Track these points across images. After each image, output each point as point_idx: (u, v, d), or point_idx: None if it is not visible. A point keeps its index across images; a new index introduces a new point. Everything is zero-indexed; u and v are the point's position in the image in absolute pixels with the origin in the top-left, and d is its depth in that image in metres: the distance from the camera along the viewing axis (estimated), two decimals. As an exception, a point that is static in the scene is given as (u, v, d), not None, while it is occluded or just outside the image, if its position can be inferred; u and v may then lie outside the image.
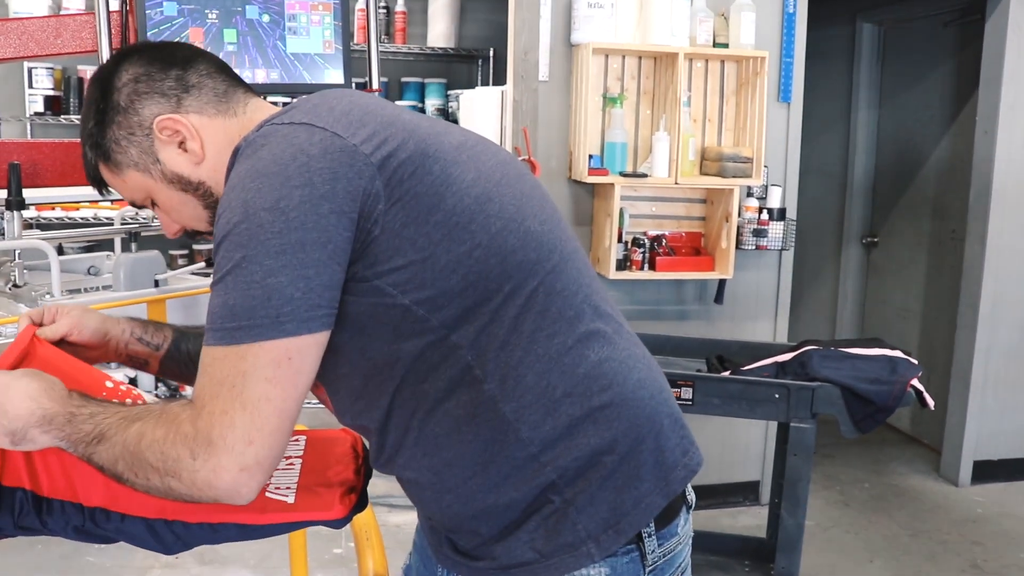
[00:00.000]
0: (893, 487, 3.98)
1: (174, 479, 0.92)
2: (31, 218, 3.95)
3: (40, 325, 1.20)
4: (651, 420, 1.06)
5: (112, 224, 2.92)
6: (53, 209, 4.08)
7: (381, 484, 3.36)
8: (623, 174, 3.21)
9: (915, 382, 2.47)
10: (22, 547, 3.06)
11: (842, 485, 4.00)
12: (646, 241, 3.29)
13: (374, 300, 0.97)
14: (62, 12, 4.27)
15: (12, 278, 2.35)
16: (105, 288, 2.45)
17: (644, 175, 3.21)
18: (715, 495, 3.60)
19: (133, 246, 2.78)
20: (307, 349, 0.93)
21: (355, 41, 4.44)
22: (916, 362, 2.53)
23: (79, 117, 4.43)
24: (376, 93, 2.48)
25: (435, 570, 1.11)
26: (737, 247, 3.34)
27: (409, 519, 3.37)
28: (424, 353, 0.98)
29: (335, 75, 2.45)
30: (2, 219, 2.37)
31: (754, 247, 3.41)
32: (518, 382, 0.99)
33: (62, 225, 4.04)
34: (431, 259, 0.96)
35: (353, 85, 2.52)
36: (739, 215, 3.36)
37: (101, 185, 1.16)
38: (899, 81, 4.68)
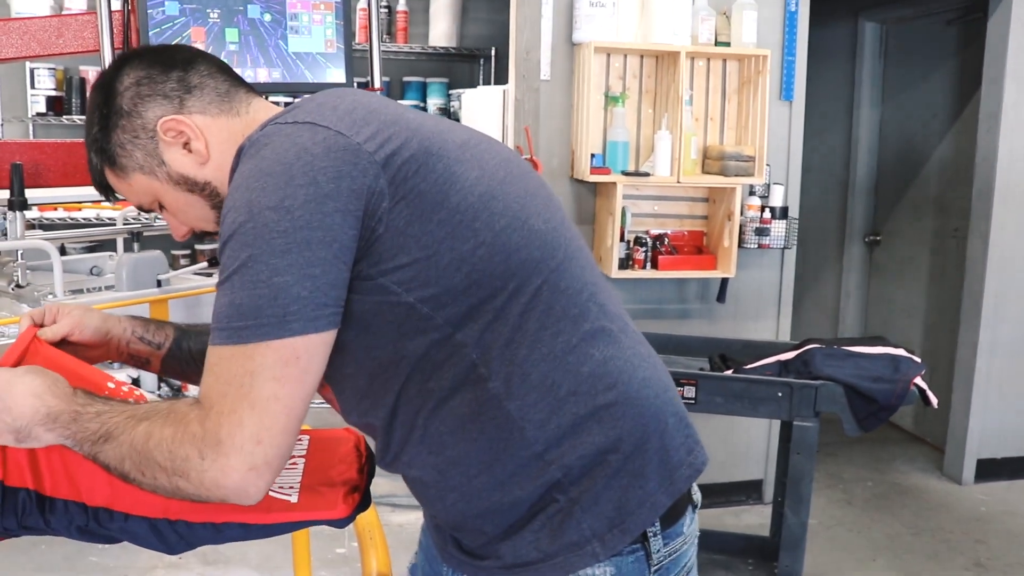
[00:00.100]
0: (896, 485, 3.98)
1: (182, 479, 0.92)
2: (34, 219, 3.95)
3: (41, 325, 1.20)
4: (656, 419, 1.06)
5: (114, 224, 2.92)
6: (55, 209, 4.08)
7: (384, 484, 3.36)
8: (625, 173, 3.21)
9: (918, 380, 2.47)
10: (26, 547, 3.06)
11: (845, 484, 3.99)
12: (648, 240, 3.28)
13: (379, 298, 0.97)
14: (64, 12, 4.27)
15: (15, 278, 2.35)
16: (108, 288, 2.45)
17: (646, 174, 3.21)
18: (718, 494, 3.59)
19: (135, 246, 2.78)
20: (314, 348, 0.93)
21: (357, 41, 4.44)
22: (919, 360, 2.53)
23: (81, 117, 4.42)
24: (378, 92, 2.47)
25: (440, 569, 1.11)
26: (739, 246, 3.34)
27: (412, 518, 3.37)
28: (429, 351, 0.98)
29: (337, 74, 2.46)
30: (4, 219, 2.37)
31: (756, 246, 3.41)
32: (523, 380, 0.99)
33: (64, 225, 4.04)
34: (435, 257, 0.96)
35: (355, 84, 2.52)
36: (741, 214, 3.36)
37: (108, 191, 1.16)
38: (901, 79, 4.68)
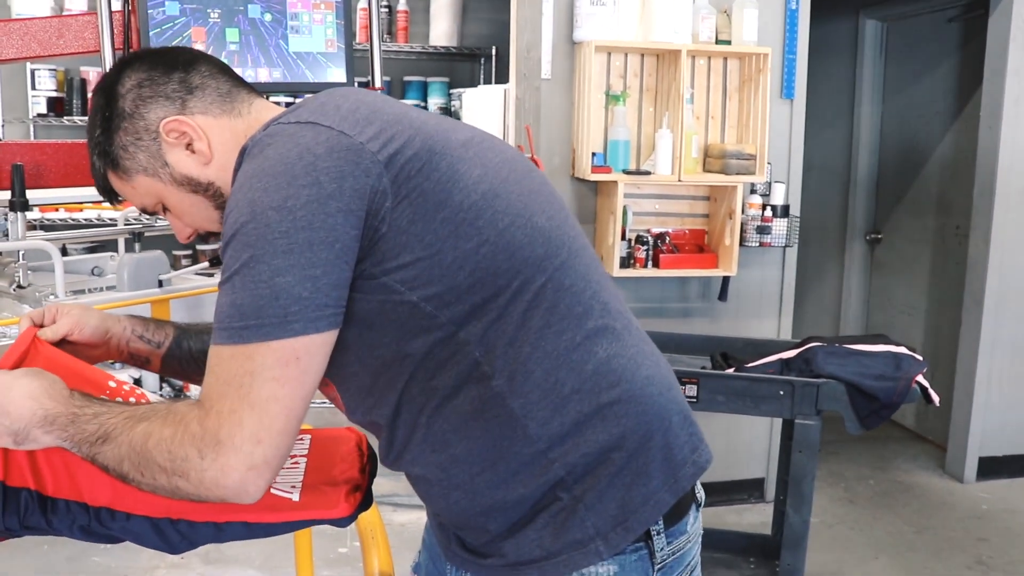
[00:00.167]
0: (898, 484, 3.98)
1: (182, 479, 0.92)
2: (35, 219, 3.95)
3: (41, 326, 1.20)
4: (660, 417, 1.06)
5: (116, 225, 2.92)
6: (57, 210, 4.08)
7: (386, 483, 3.36)
8: (626, 172, 3.21)
9: (920, 378, 2.47)
10: (29, 547, 3.07)
11: (847, 482, 3.99)
12: (649, 239, 3.28)
13: (382, 297, 0.97)
14: (64, 13, 4.27)
15: (16, 279, 2.35)
16: (109, 289, 2.45)
17: (647, 172, 3.21)
18: (720, 492, 3.59)
19: (137, 246, 2.78)
20: (315, 349, 0.93)
21: (357, 40, 4.44)
22: (921, 358, 2.53)
23: (81, 119, 4.42)
24: (379, 92, 2.47)
25: (444, 568, 1.11)
26: (741, 244, 3.33)
27: (414, 518, 3.37)
28: (432, 350, 0.98)
29: (337, 74, 2.46)
30: (6, 220, 2.37)
31: (758, 244, 3.40)
32: (526, 378, 0.99)
33: (66, 226, 4.04)
34: (438, 255, 0.96)
35: (355, 84, 2.52)
36: (742, 212, 3.35)
37: (111, 194, 1.16)
38: (902, 77, 4.68)
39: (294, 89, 2.48)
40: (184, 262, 4.64)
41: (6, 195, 2.30)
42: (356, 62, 2.52)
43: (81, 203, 3.93)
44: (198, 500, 0.94)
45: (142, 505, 1.05)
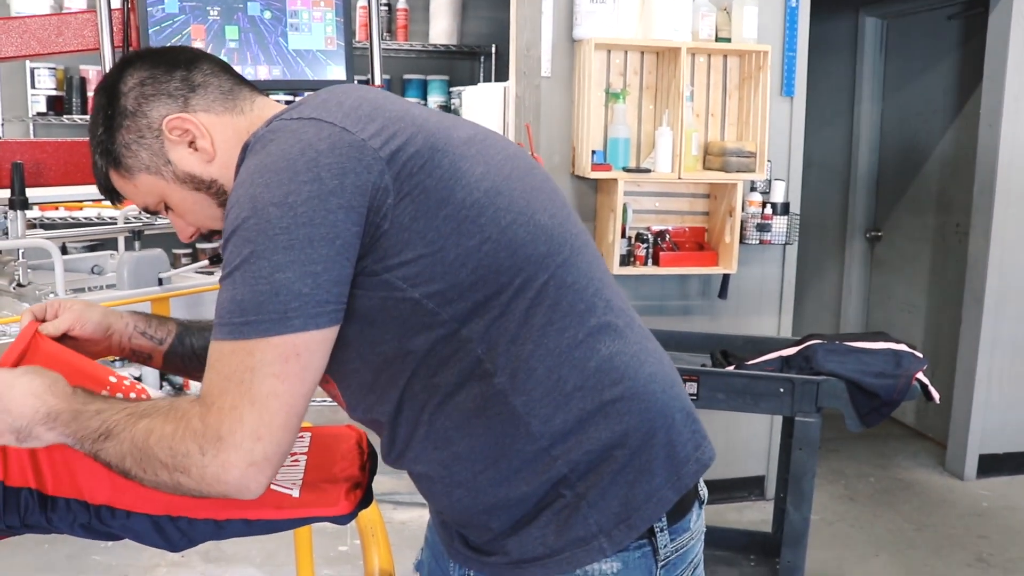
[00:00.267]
0: (898, 481, 3.98)
1: (183, 474, 0.92)
2: (35, 218, 3.95)
3: (43, 321, 1.20)
4: (663, 414, 1.06)
5: (115, 223, 2.92)
6: (57, 209, 4.08)
7: (387, 481, 3.37)
8: (626, 169, 3.21)
9: (920, 375, 2.47)
10: (29, 546, 3.07)
11: (847, 479, 3.99)
12: (649, 236, 3.28)
13: (384, 294, 0.97)
14: (63, 11, 4.27)
15: (16, 277, 2.35)
16: (109, 287, 2.45)
17: (647, 170, 3.21)
18: (720, 490, 3.59)
19: (136, 245, 2.78)
20: (315, 345, 0.93)
21: (357, 38, 4.43)
22: (921, 355, 2.53)
23: (81, 117, 4.40)
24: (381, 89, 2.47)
25: (447, 566, 1.11)
26: (741, 242, 3.33)
27: (415, 516, 3.37)
28: (434, 347, 0.98)
29: (337, 71, 2.45)
30: (5, 219, 2.37)
31: (758, 242, 3.40)
32: (528, 376, 0.99)
33: (66, 224, 4.03)
34: (440, 253, 0.96)
35: (355, 81, 2.52)
36: (743, 210, 3.35)
37: (113, 194, 1.16)
38: (902, 74, 4.67)
39: (294, 87, 2.47)
40: (184, 260, 4.64)
41: (6, 193, 2.30)
42: (356, 60, 2.51)
43: (81, 201, 3.93)
44: (200, 496, 0.94)
45: (142, 503, 1.05)
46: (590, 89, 3.19)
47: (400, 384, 1.01)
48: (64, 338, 1.20)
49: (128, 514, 1.06)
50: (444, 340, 0.98)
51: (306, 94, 1.13)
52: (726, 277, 3.39)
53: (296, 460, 1.20)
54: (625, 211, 3.23)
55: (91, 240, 3.75)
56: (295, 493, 1.11)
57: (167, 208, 1.14)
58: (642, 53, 3.29)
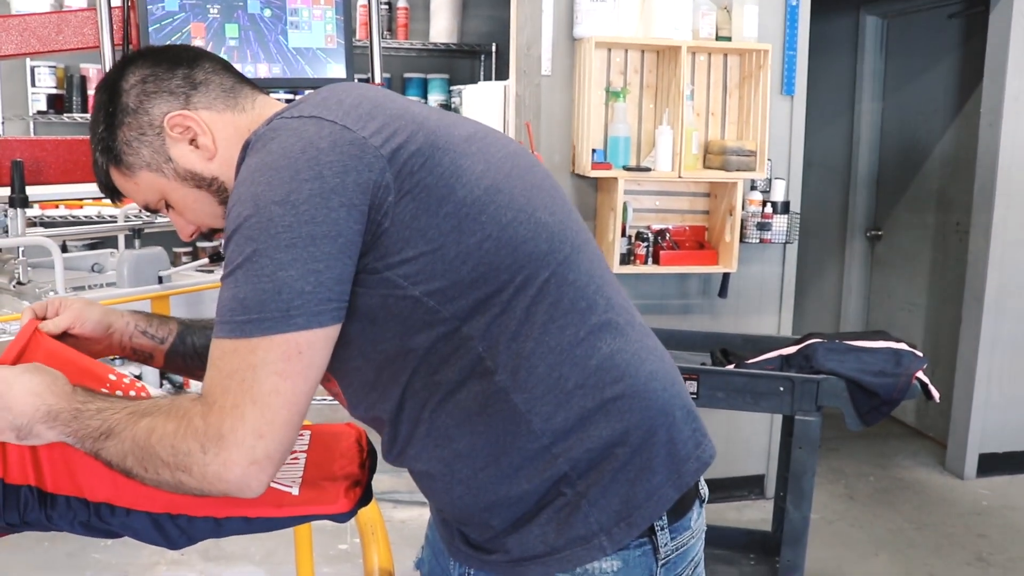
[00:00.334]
0: (898, 480, 3.98)
1: (185, 473, 0.92)
2: (35, 216, 3.95)
3: (43, 319, 1.20)
4: (664, 412, 1.05)
5: (115, 221, 2.92)
6: (57, 207, 4.08)
7: (387, 480, 3.37)
8: (626, 168, 3.21)
9: (920, 374, 2.46)
10: (29, 544, 3.07)
11: (847, 478, 3.99)
12: (650, 235, 3.28)
13: (385, 292, 0.97)
14: (64, 9, 4.26)
15: (16, 276, 2.34)
16: (109, 285, 2.45)
17: (647, 169, 3.21)
18: (720, 489, 3.59)
19: (137, 243, 2.78)
20: (317, 343, 0.93)
21: (357, 37, 4.43)
22: (921, 354, 2.53)
23: (82, 115, 4.39)
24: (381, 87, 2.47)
25: (447, 564, 1.11)
26: (741, 241, 3.33)
27: (415, 514, 3.37)
28: (435, 344, 0.98)
29: (337, 70, 2.45)
30: (5, 217, 2.37)
31: (758, 240, 3.40)
32: (530, 373, 0.99)
33: (66, 223, 4.03)
34: (441, 250, 0.96)
35: (356, 80, 2.51)
36: (743, 208, 3.35)
37: (114, 193, 1.16)
38: (903, 73, 4.67)
39: (294, 85, 2.47)
40: (184, 259, 4.64)
41: (6, 191, 2.30)
42: (356, 58, 2.51)
43: (81, 200, 3.93)
44: (201, 494, 0.94)
45: (142, 500, 1.05)
46: (590, 88, 3.18)
47: (402, 382, 1.01)
48: (64, 336, 1.19)
49: (128, 512, 1.06)
50: (445, 338, 0.98)
51: (306, 92, 1.13)
52: (726, 276, 3.39)
53: (296, 458, 1.20)
54: (625, 210, 3.23)
55: (91, 238, 3.76)
56: (295, 491, 1.11)
57: (167, 206, 1.14)
58: (642, 52, 3.29)
